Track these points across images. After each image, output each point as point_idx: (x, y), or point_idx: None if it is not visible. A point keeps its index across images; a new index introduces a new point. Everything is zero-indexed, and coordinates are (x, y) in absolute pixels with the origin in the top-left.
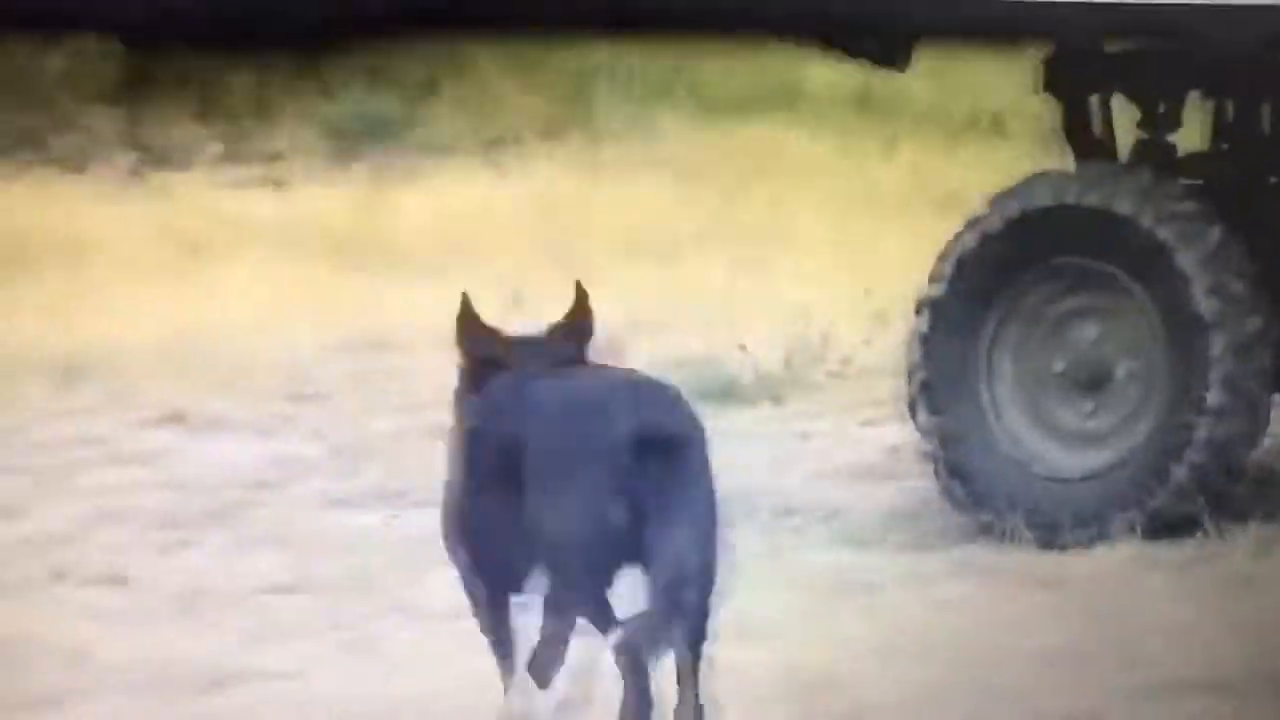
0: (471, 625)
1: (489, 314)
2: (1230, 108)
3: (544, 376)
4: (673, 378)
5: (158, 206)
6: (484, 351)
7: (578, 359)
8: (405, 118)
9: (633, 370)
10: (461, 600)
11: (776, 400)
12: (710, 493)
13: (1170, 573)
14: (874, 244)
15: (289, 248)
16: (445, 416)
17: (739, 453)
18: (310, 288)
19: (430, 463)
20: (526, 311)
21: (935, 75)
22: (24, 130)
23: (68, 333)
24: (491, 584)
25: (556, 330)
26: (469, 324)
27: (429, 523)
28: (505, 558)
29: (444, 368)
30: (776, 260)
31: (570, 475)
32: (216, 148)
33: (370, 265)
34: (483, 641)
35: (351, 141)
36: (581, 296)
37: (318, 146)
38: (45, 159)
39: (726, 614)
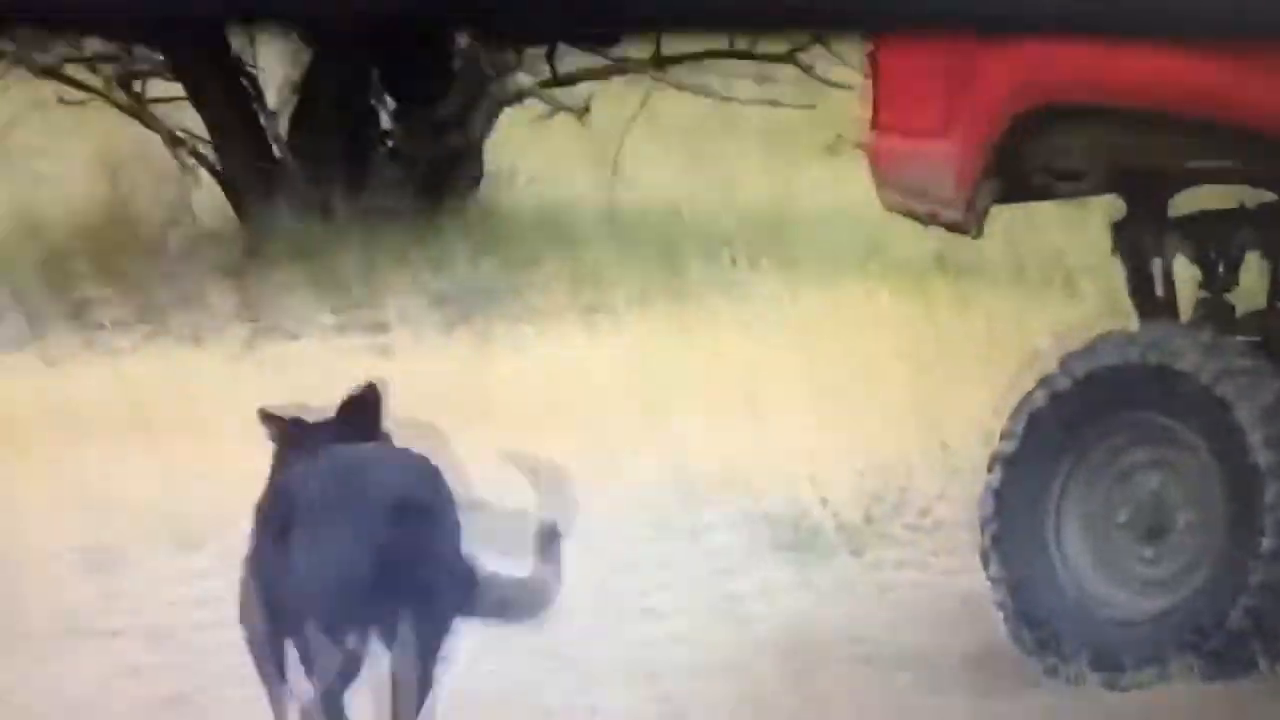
0: None
1: (585, 469)
2: None
3: (330, 451)
4: (757, 531)
5: (271, 375)
6: (277, 435)
7: (370, 436)
8: (508, 287)
9: (405, 449)
10: None
11: (856, 552)
12: (454, 561)
13: (1227, 712)
14: (950, 399)
15: (398, 411)
16: None
17: (818, 603)
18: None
19: None
20: (621, 464)
21: (1009, 238)
22: (147, 305)
23: (186, 498)
24: (269, 634)
25: (344, 408)
26: (266, 416)
27: None
28: (279, 608)
29: None
30: (857, 415)
31: (329, 532)
32: (327, 319)
33: (475, 424)
34: None
35: (456, 310)
36: (369, 385)
37: (424, 315)
38: (166, 331)
39: None
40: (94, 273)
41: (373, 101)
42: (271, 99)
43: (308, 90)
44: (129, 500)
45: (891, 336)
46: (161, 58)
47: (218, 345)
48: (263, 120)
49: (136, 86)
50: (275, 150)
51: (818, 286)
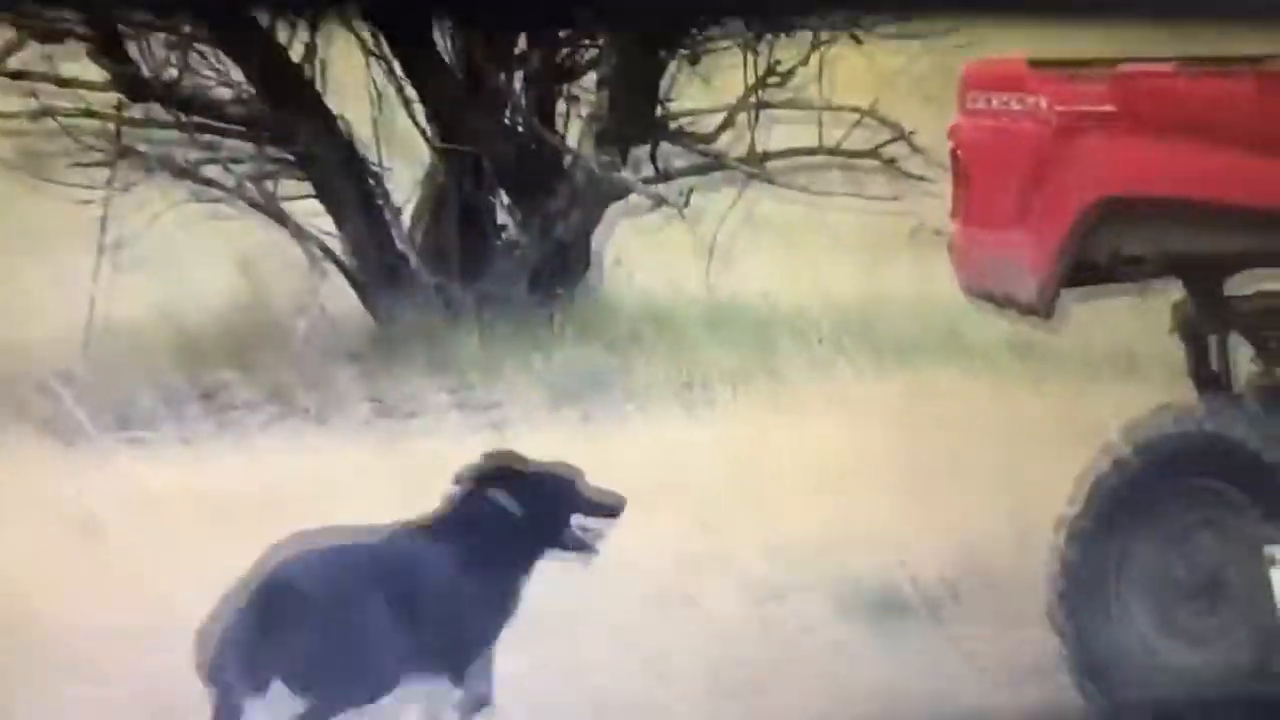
0: None
1: (676, 544)
2: None
3: None
4: (844, 593)
5: (390, 451)
6: None
7: None
8: (612, 369)
9: None
10: None
11: (934, 613)
12: None
13: None
14: (1023, 472)
15: None
16: None
17: (900, 659)
18: None
19: None
20: (716, 539)
21: (1076, 321)
22: (277, 387)
23: None
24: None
25: None
26: None
27: None
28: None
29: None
30: (938, 489)
31: None
32: (444, 398)
33: None
34: None
35: (563, 390)
36: None
37: (533, 396)
38: (294, 411)
39: None
40: (227, 359)
41: (489, 197)
42: (396, 196)
43: (429, 187)
44: None
45: (968, 416)
46: (291, 157)
47: (341, 423)
48: (387, 216)
49: (269, 185)
50: (398, 244)
51: (900, 368)
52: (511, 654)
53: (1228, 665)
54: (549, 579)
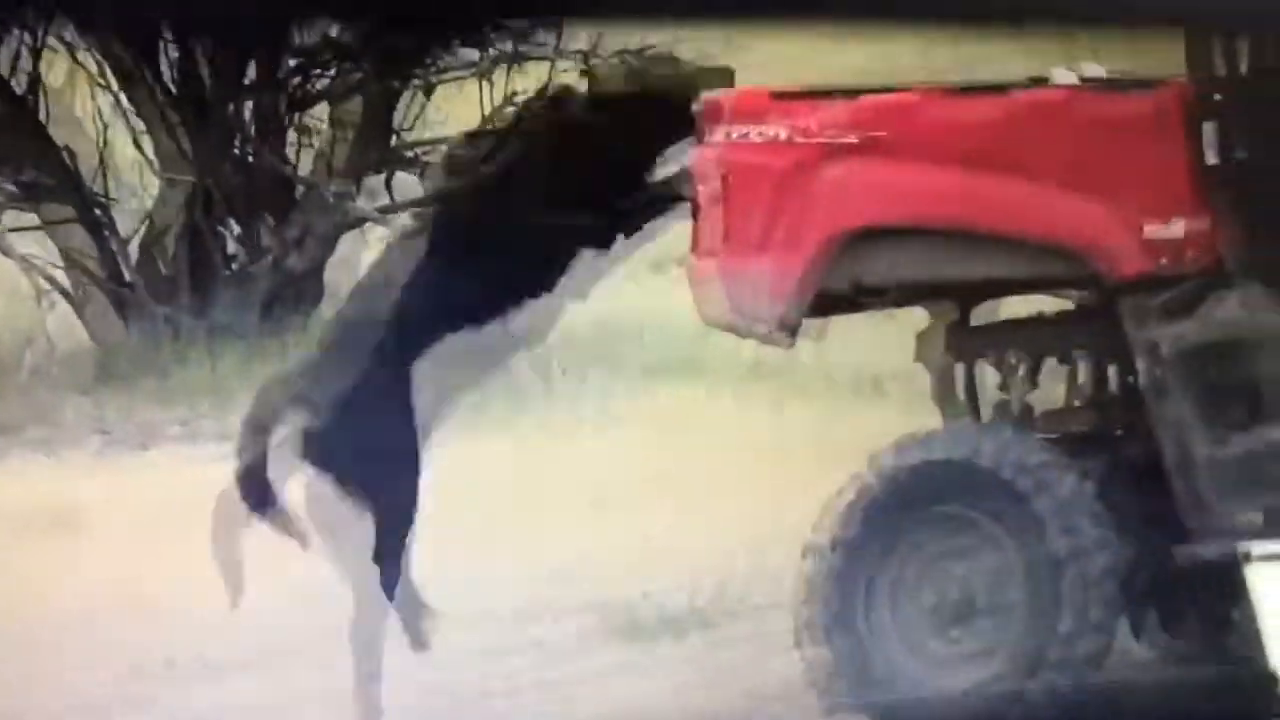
0: None
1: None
2: (1081, 371)
3: None
4: (586, 617)
5: (121, 484)
6: None
7: None
8: None
9: None
10: None
11: (678, 637)
12: None
13: None
14: (766, 495)
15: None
16: None
17: (641, 683)
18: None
19: None
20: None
21: (819, 347)
22: (4, 419)
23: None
24: None
25: None
26: None
27: None
28: None
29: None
30: (681, 512)
31: None
32: (175, 429)
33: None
34: None
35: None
36: None
37: None
38: (21, 443)
39: None
40: None
41: (219, 227)
42: (124, 226)
43: (158, 218)
44: None
45: (711, 439)
46: (15, 189)
47: (70, 455)
48: (114, 246)
49: None
50: (126, 275)
51: (643, 394)
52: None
53: (979, 694)
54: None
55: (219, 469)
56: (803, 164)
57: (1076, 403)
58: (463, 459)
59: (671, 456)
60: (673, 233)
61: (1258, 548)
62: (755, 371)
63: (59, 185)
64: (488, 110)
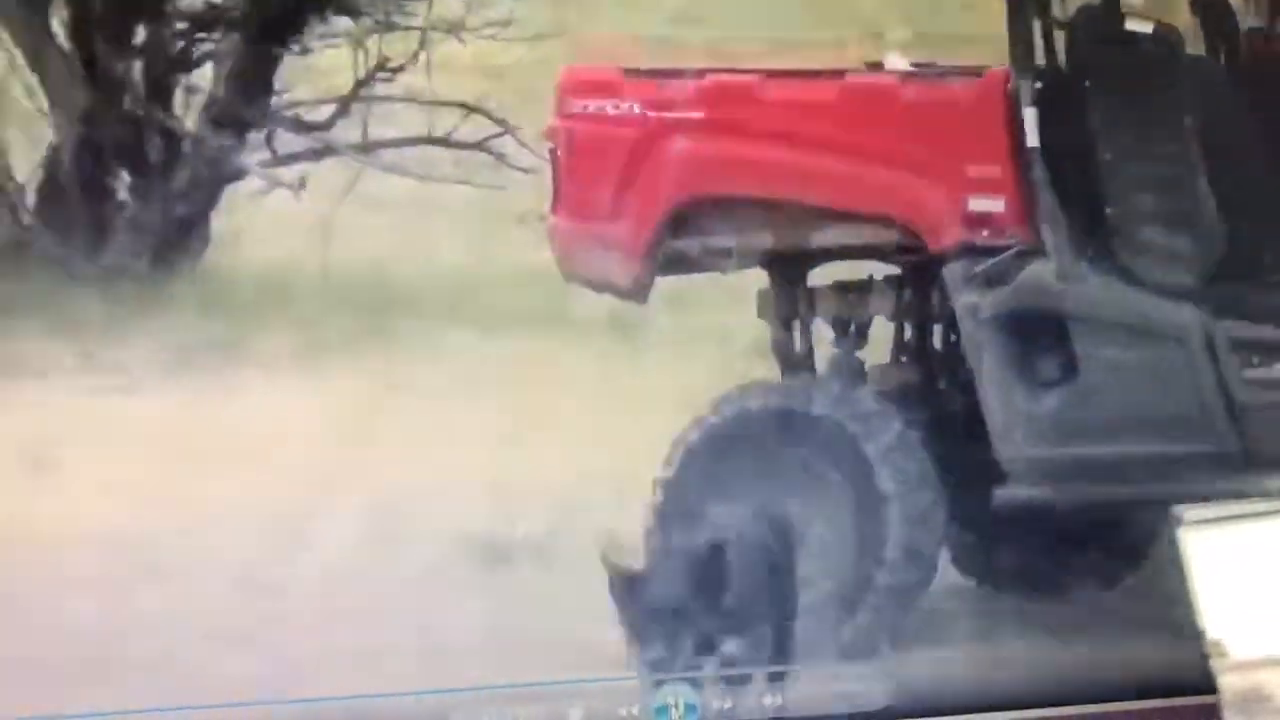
0: None
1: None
2: (910, 329)
3: None
4: (454, 545)
5: (10, 412)
6: None
7: None
8: (233, 338)
9: None
10: None
11: (538, 559)
12: None
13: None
14: (623, 436)
15: (132, 445)
16: None
17: (508, 602)
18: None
19: None
20: (341, 498)
21: (672, 303)
22: None
23: None
24: None
25: None
26: None
27: None
28: None
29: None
30: (544, 448)
31: None
32: (69, 362)
33: (198, 459)
34: None
35: (186, 357)
36: None
37: (157, 362)
38: None
39: None
40: None
41: (110, 178)
42: (20, 174)
43: (52, 167)
44: None
45: (571, 383)
46: None
47: None
48: (11, 191)
49: None
50: (24, 219)
51: (508, 339)
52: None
53: (813, 614)
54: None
55: (112, 399)
56: (652, 136)
57: (903, 358)
58: (339, 390)
59: (523, 399)
60: (536, 189)
61: (1190, 513)
62: (612, 325)
63: None
64: (361, 74)
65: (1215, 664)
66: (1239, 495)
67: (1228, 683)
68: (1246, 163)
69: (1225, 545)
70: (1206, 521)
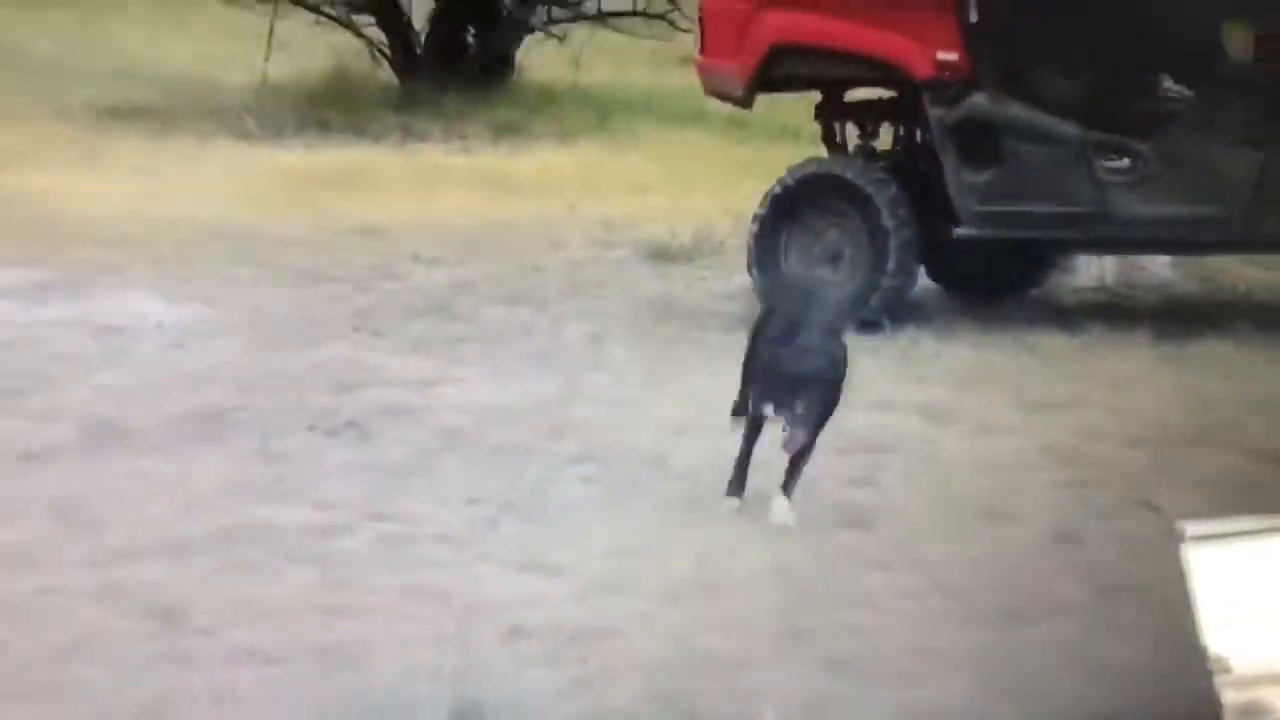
0: None
1: (554, 217)
2: (902, 130)
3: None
4: (640, 246)
5: (412, 158)
6: None
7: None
8: (524, 123)
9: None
10: None
11: (689, 259)
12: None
13: (869, 353)
14: (735, 188)
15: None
16: None
17: (670, 283)
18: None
19: None
20: (579, 217)
21: (765, 109)
22: (354, 120)
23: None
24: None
25: None
26: None
27: None
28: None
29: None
30: (688, 194)
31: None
32: (438, 133)
33: (507, 192)
34: None
35: (501, 132)
36: None
37: (484, 134)
38: (365, 135)
39: None
40: (330, 104)
41: (465, 27)
42: (418, 21)
43: (433, 24)
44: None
45: (705, 156)
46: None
47: (386, 141)
48: (410, 31)
49: (350, 14)
50: (416, 48)
51: (671, 131)
52: None
53: (845, 300)
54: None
55: (455, 155)
56: (754, 10)
57: (899, 148)
58: (580, 156)
59: (680, 164)
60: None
61: (1193, 528)
62: (730, 121)
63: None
64: None
65: (1218, 679)
66: (1098, 243)
67: (1230, 698)
68: (1118, 20)
69: (1228, 561)
70: (1210, 538)
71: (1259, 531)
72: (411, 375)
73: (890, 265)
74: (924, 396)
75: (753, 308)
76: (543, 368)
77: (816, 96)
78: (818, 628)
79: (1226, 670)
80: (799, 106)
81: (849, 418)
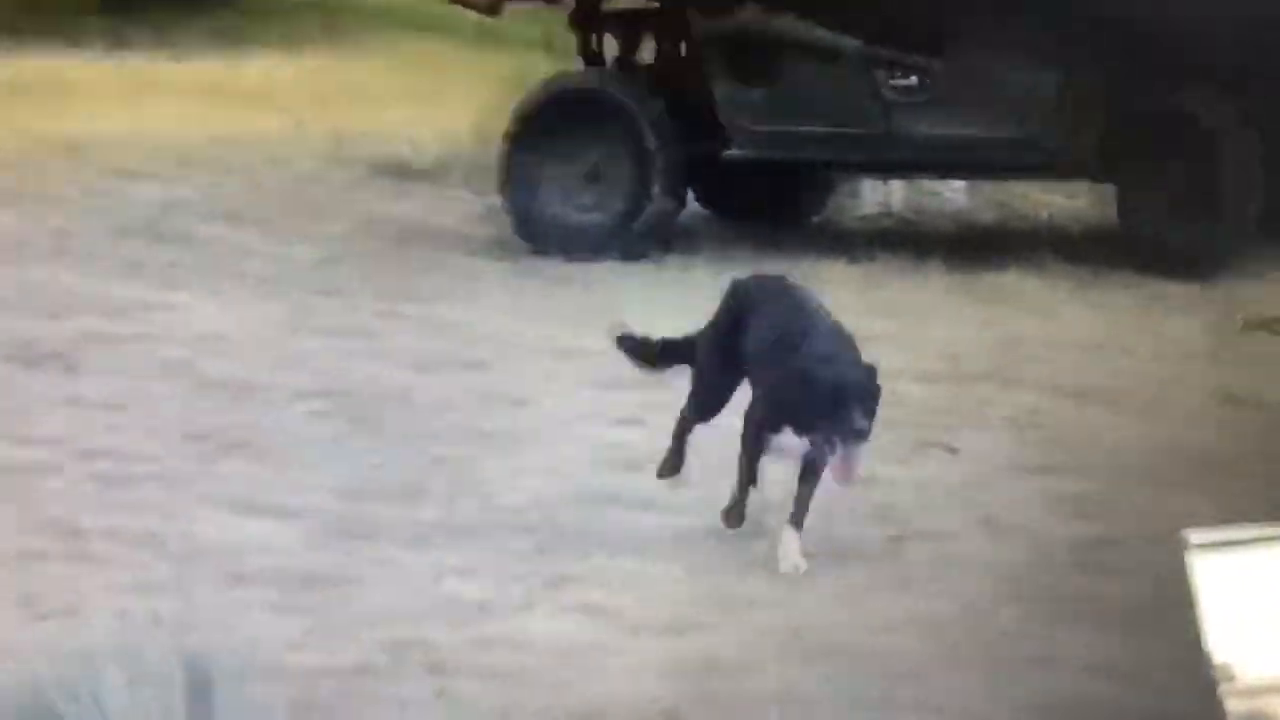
0: None
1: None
2: (665, 43)
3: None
4: (377, 162)
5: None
6: None
7: None
8: (245, 27)
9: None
10: None
11: (432, 178)
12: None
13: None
14: (484, 100)
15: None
16: None
17: (411, 205)
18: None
19: None
20: (306, 131)
21: (517, 19)
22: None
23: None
24: None
25: None
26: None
27: None
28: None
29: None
30: (432, 106)
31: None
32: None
33: (226, 104)
34: None
35: (216, 37)
36: None
37: (201, 40)
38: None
39: None
40: (20, 6)
41: None
42: None
43: None
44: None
45: (454, 71)
46: None
47: (85, 48)
48: None
49: None
50: None
51: (412, 40)
52: None
53: (606, 226)
54: None
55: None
56: None
57: (656, 60)
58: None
59: (423, 76)
60: None
61: (1197, 536)
62: (482, 31)
63: None
64: None
65: (1222, 687)
66: (884, 166)
67: (1234, 706)
68: None
69: (1233, 570)
70: (1215, 546)
71: (1264, 539)
72: (121, 301)
73: (655, 188)
74: (694, 329)
75: (504, 231)
76: (267, 294)
77: (572, 5)
78: (584, 572)
79: (1231, 679)
80: (555, 17)
81: (610, 354)
